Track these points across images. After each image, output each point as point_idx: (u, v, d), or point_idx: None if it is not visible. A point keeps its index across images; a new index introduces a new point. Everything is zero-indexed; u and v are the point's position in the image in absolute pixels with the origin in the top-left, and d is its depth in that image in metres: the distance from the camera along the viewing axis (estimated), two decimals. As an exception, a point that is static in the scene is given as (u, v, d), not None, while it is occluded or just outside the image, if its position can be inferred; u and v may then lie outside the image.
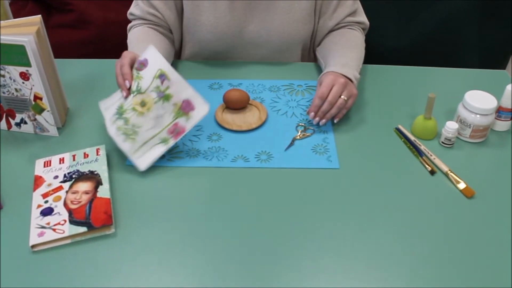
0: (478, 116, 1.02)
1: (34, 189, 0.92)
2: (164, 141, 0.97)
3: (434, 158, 1.01)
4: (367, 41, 1.27)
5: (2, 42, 0.94)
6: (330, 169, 0.99)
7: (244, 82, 1.22)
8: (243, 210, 0.90)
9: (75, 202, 0.88)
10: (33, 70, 0.96)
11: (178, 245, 0.84)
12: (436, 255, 0.83)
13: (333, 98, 1.04)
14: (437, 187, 0.96)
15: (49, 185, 0.92)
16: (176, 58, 1.35)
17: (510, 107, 1.06)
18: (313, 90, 1.20)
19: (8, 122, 1.06)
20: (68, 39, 1.62)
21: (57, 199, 0.89)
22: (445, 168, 0.99)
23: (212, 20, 1.20)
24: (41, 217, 0.86)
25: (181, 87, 0.96)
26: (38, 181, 0.93)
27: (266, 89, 1.20)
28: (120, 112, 0.99)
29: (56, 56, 1.05)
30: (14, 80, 0.99)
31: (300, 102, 1.16)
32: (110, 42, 1.57)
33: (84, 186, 0.91)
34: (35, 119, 1.04)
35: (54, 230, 0.84)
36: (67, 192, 0.91)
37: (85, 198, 0.89)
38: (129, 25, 1.27)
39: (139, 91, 0.98)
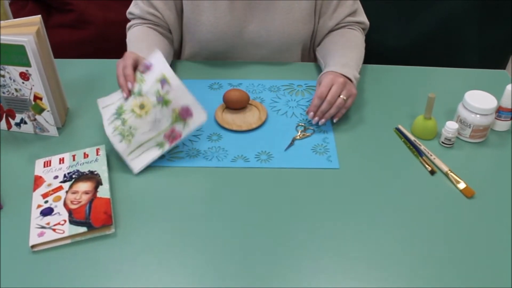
0: (478, 116, 1.02)
1: (34, 189, 0.92)
2: (159, 145, 0.97)
3: (434, 158, 1.01)
4: (367, 41, 1.27)
5: (2, 42, 0.94)
6: (330, 169, 0.99)
7: (244, 82, 1.22)
8: (243, 210, 0.90)
9: (75, 202, 0.88)
10: (33, 70, 0.96)
11: (178, 245, 0.84)
12: (436, 255, 0.83)
13: (332, 98, 1.04)
14: (437, 187, 0.96)
15: (49, 185, 0.92)
16: (176, 58, 1.35)
17: (510, 107, 1.06)
18: (313, 90, 1.19)
19: (8, 122, 1.06)
20: (68, 39, 1.62)
21: (57, 199, 0.89)
22: (445, 168, 0.99)
23: (212, 20, 1.20)
24: (41, 217, 0.86)
25: (181, 94, 0.96)
26: (38, 181, 0.93)
27: (266, 89, 1.20)
28: (118, 113, 0.99)
29: (56, 56, 1.05)
30: (14, 80, 0.99)
31: (300, 102, 1.16)
32: (110, 42, 1.57)
33: (84, 186, 0.91)
34: (35, 119, 1.04)
35: (54, 230, 0.84)
36: (67, 192, 0.91)
37: (85, 198, 0.89)
38: (128, 24, 1.27)
39: (139, 94, 0.98)
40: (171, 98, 0.96)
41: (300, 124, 1.10)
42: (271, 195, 0.93)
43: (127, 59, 1.03)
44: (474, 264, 0.82)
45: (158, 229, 0.87)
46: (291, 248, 0.84)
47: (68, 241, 0.84)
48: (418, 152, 1.03)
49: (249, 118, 1.10)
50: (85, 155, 0.98)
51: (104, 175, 0.94)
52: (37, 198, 0.90)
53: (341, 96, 1.04)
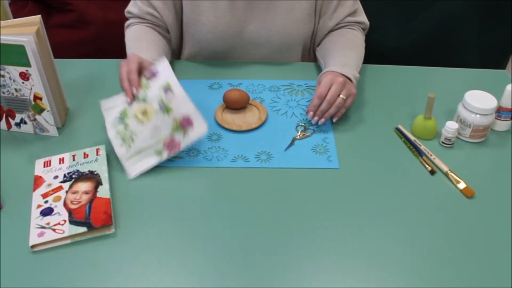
0: (478, 116, 1.02)
1: (34, 189, 0.92)
2: (158, 153, 0.97)
3: (434, 158, 1.01)
4: (367, 41, 1.27)
5: (2, 42, 0.94)
6: (330, 169, 0.99)
7: (244, 82, 1.22)
8: (243, 210, 0.90)
9: (75, 202, 0.88)
10: (33, 70, 0.96)
11: (178, 245, 0.84)
12: (436, 255, 0.83)
13: (332, 97, 1.04)
14: (437, 187, 0.96)
15: (49, 185, 0.92)
16: (176, 58, 1.35)
17: (510, 107, 1.06)
18: (313, 90, 1.19)
19: (8, 122, 1.06)
20: (68, 39, 1.61)
21: (57, 199, 0.89)
22: (445, 168, 0.99)
23: (212, 20, 1.20)
24: (41, 217, 0.86)
25: (183, 103, 0.96)
26: (38, 181, 0.93)
27: (266, 89, 1.20)
28: (122, 117, 1.00)
29: (56, 56, 1.05)
30: (14, 80, 0.99)
31: (300, 102, 1.16)
32: (110, 42, 1.57)
33: (84, 186, 0.91)
34: (35, 119, 1.04)
35: (54, 230, 0.84)
36: (67, 192, 0.91)
37: (85, 198, 0.89)
38: (127, 23, 1.27)
39: (143, 100, 0.99)
40: (173, 106, 0.96)
41: (300, 124, 1.10)
42: (271, 195, 0.93)
43: (132, 63, 1.03)
44: (474, 264, 0.82)
45: (158, 229, 0.87)
46: (291, 248, 0.84)
47: (68, 241, 0.84)
48: (418, 152, 1.03)
49: (249, 118, 1.10)
50: (85, 155, 0.98)
51: (104, 175, 0.94)
52: (37, 198, 0.90)
53: (340, 96, 1.04)
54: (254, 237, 0.85)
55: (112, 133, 1.00)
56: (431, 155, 1.02)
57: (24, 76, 0.98)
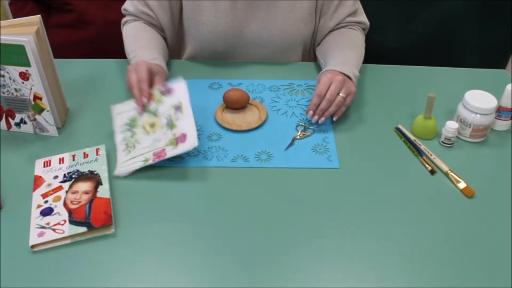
0: (478, 115, 1.02)
1: (34, 189, 0.92)
2: (145, 160, 0.98)
3: (434, 158, 1.01)
4: (367, 41, 1.27)
5: (2, 42, 0.93)
6: (330, 168, 0.99)
7: (244, 82, 1.22)
8: (243, 210, 0.90)
9: (75, 202, 0.88)
10: (33, 70, 0.96)
11: (178, 245, 0.84)
12: (436, 255, 0.83)
13: (331, 96, 1.04)
14: (437, 187, 0.96)
15: (49, 185, 0.92)
16: (176, 58, 1.35)
17: (510, 106, 1.06)
18: (313, 89, 1.19)
19: (7, 122, 1.06)
20: (68, 39, 1.61)
21: (57, 199, 0.89)
22: (445, 167, 0.99)
23: (213, 20, 1.20)
24: (41, 217, 0.86)
25: (187, 122, 0.99)
26: (38, 181, 0.93)
27: (266, 88, 1.20)
28: (131, 125, 1.03)
29: (56, 56, 1.05)
30: (13, 80, 0.99)
31: (300, 102, 1.16)
32: (110, 42, 1.56)
33: (84, 186, 0.91)
34: (34, 119, 1.04)
35: (54, 230, 0.84)
36: (67, 192, 0.91)
37: (85, 198, 0.89)
38: (123, 20, 1.28)
39: (154, 113, 1.02)
40: (177, 124, 0.99)
41: (300, 123, 1.10)
42: (271, 195, 0.93)
43: (142, 72, 1.04)
44: (474, 264, 0.82)
45: (158, 229, 0.86)
46: (291, 248, 0.84)
47: (68, 241, 0.84)
48: (418, 152, 1.03)
49: (249, 118, 1.10)
50: (85, 155, 0.98)
51: (104, 175, 0.94)
52: (37, 198, 0.90)
53: (340, 94, 1.04)
54: (254, 237, 0.85)
55: (119, 138, 1.02)
56: (431, 155, 1.02)
57: (24, 76, 0.98)
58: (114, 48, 1.37)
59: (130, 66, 1.08)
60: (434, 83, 1.24)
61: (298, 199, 0.92)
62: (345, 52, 1.17)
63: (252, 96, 1.16)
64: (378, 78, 1.25)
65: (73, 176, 0.94)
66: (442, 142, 1.05)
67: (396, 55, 1.45)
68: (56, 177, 0.94)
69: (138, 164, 0.97)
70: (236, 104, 1.11)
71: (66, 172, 0.95)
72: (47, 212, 0.87)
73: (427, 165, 1.00)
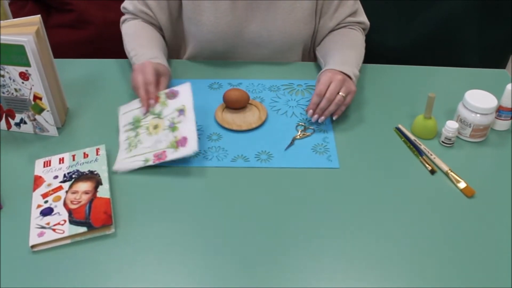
0: (478, 115, 1.02)
1: (34, 189, 0.92)
2: (145, 160, 0.98)
3: (434, 158, 1.01)
4: (367, 41, 1.27)
5: (1, 42, 0.93)
6: (330, 168, 0.99)
7: (244, 82, 1.22)
8: (243, 210, 0.90)
9: (75, 202, 0.88)
10: (33, 70, 0.96)
11: (178, 245, 0.84)
12: (436, 254, 0.83)
13: (331, 95, 1.04)
14: (437, 187, 0.96)
15: (49, 185, 0.92)
16: (176, 57, 1.35)
17: (510, 106, 1.06)
18: (313, 89, 1.19)
19: (7, 122, 1.06)
20: (67, 39, 1.61)
21: (57, 199, 0.89)
22: (445, 167, 0.99)
23: (213, 20, 1.20)
24: (41, 217, 0.86)
25: (189, 125, 0.99)
26: (38, 181, 0.93)
27: (266, 88, 1.20)
28: (136, 125, 1.03)
29: (55, 56, 1.05)
30: (13, 80, 0.99)
31: (300, 102, 1.16)
32: (110, 42, 1.56)
33: (84, 186, 0.91)
34: (34, 119, 1.04)
35: (54, 230, 0.84)
36: (67, 192, 0.91)
37: (85, 198, 0.89)
38: (122, 18, 1.29)
39: (158, 115, 1.03)
40: (179, 126, 1.00)
41: (300, 123, 1.10)
42: (271, 195, 0.93)
43: (149, 74, 1.05)
44: (474, 264, 0.82)
45: (158, 229, 0.86)
46: (291, 248, 0.84)
47: (68, 241, 0.84)
48: (418, 152, 1.03)
49: (249, 117, 1.10)
50: (85, 155, 0.98)
51: (104, 175, 0.94)
52: (37, 198, 0.90)
53: (340, 93, 1.04)
54: (254, 237, 0.85)
55: (123, 137, 1.03)
56: (431, 155, 1.02)
57: (24, 76, 0.98)
58: (114, 48, 1.37)
59: (136, 66, 1.08)
60: (434, 83, 1.24)
61: (298, 199, 0.92)
62: (345, 52, 1.17)
63: (252, 96, 1.16)
64: (378, 78, 1.25)
65: (73, 176, 0.94)
66: (442, 142, 1.05)
67: (396, 55, 1.45)
68: (56, 177, 0.94)
69: (138, 163, 0.97)
70: (236, 104, 1.11)
71: (66, 172, 0.95)
72: (47, 212, 0.87)
73: (427, 165, 1.00)
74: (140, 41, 1.19)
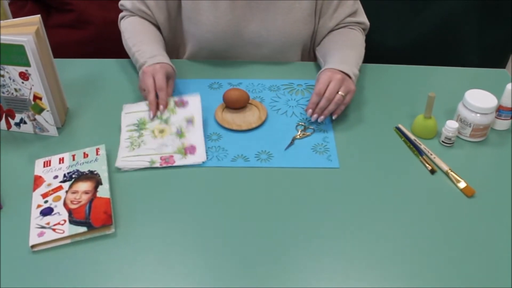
0: (478, 115, 1.02)
1: (34, 189, 0.92)
2: (152, 161, 0.99)
3: (434, 157, 1.01)
4: (367, 40, 1.27)
5: (1, 42, 0.93)
6: (330, 168, 0.99)
7: (244, 82, 1.22)
8: (243, 210, 0.90)
9: (75, 202, 0.88)
10: (33, 70, 0.96)
11: (178, 245, 0.84)
12: (436, 254, 0.83)
13: (330, 94, 1.04)
14: (437, 186, 0.96)
15: (49, 185, 0.92)
16: (175, 57, 1.35)
17: (510, 106, 1.06)
18: (313, 89, 1.19)
19: (7, 122, 1.06)
20: (67, 39, 1.61)
21: (57, 199, 0.89)
22: (445, 167, 0.99)
23: (212, 20, 1.20)
24: (41, 217, 0.86)
25: (197, 134, 1.03)
26: (37, 181, 0.93)
27: (266, 88, 1.20)
28: (140, 127, 1.04)
29: (55, 56, 1.05)
30: (13, 80, 0.99)
31: (300, 102, 1.16)
32: (110, 42, 1.56)
33: (84, 186, 0.91)
34: (34, 119, 1.04)
35: (54, 230, 0.84)
36: (67, 192, 0.91)
37: (85, 198, 0.89)
38: (121, 14, 1.29)
39: (165, 121, 1.04)
40: (187, 135, 1.02)
41: (300, 123, 1.09)
42: (271, 194, 0.93)
43: (160, 80, 1.07)
44: (474, 263, 0.82)
45: (158, 229, 0.86)
46: (291, 247, 0.84)
47: (68, 241, 0.84)
48: (418, 151, 1.03)
49: (249, 117, 1.10)
50: (85, 155, 0.98)
51: (104, 175, 0.94)
52: (37, 198, 0.90)
53: (339, 93, 1.04)
54: (254, 236, 0.85)
55: (125, 135, 1.03)
56: (431, 154, 1.02)
57: (24, 76, 0.98)
58: (114, 48, 1.37)
59: (146, 68, 1.09)
60: (434, 83, 1.24)
61: (298, 199, 0.92)
62: (344, 51, 1.16)
63: (252, 96, 1.16)
64: (378, 78, 1.25)
65: (73, 176, 0.94)
66: (442, 141, 1.05)
67: (396, 55, 1.45)
68: (56, 177, 0.94)
69: (143, 163, 0.98)
70: (236, 104, 1.11)
71: (66, 172, 0.95)
72: (47, 212, 0.87)
73: (427, 165, 1.00)
74: (141, 37, 1.19)
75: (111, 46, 1.43)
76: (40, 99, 1.00)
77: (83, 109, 1.13)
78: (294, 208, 0.90)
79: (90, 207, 0.87)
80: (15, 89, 1.00)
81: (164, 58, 1.13)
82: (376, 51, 1.36)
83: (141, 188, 0.94)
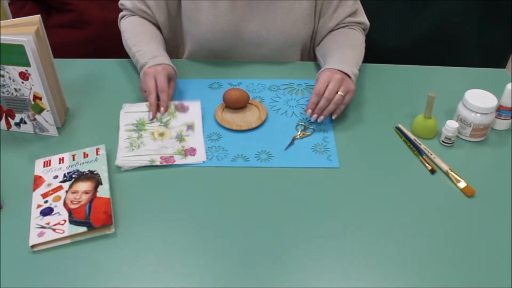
0: (478, 115, 1.02)
1: (34, 189, 0.92)
2: (152, 160, 0.99)
3: (434, 157, 1.01)
4: (367, 40, 1.27)
5: (1, 42, 0.93)
6: (330, 168, 0.99)
7: (244, 82, 1.22)
8: (243, 210, 0.90)
9: (75, 202, 0.88)
10: (33, 70, 0.96)
11: (178, 245, 0.84)
12: (436, 254, 0.83)
13: (330, 94, 1.04)
14: (437, 186, 0.96)
15: (49, 185, 0.92)
16: (175, 57, 1.35)
17: (510, 105, 1.06)
18: (313, 89, 1.19)
19: (7, 122, 1.06)
20: (67, 39, 1.61)
21: (57, 199, 0.89)
22: (445, 167, 0.99)
23: (212, 19, 1.20)
24: (41, 217, 0.86)
25: (197, 138, 1.03)
26: (37, 181, 0.93)
27: (265, 88, 1.20)
28: (139, 128, 1.04)
29: (55, 56, 1.05)
30: (13, 80, 0.99)
31: (300, 102, 1.16)
32: (110, 42, 1.56)
33: (84, 186, 0.91)
34: (34, 119, 1.04)
35: (54, 230, 0.84)
36: (66, 192, 0.91)
37: (85, 198, 0.89)
38: (121, 14, 1.29)
39: (165, 125, 1.05)
40: (187, 139, 1.03)
41: (300, 123, 1.09)
42: (271, 194, 0.93)
43: (162, 82, 1.07)
44: (474, 263, 0.82)
45: (158, 229, 0.86)
46: (291, 247, 0.84)
47: (68, 241, 0.84)
48: (418, 151, 1.03)
49: (249, 117, 1.10)
50: (85, 155, 0.98)
51: (104, 175, 0.94)
52: (37, 198, 0.90)
53: (339, 93, 1.04)
54: (254, 236, 0.85)
55: (123, 135, 1.03)
56: (431, 154, 1.02)
57: (24, 76, 0.98)
58: (114, 48, 1.37)
59: (147, 69, 1.09)
60: (434, 83, 1.24)
61: (298, 199, 0.92)
62: (344, 51, 1.16)
63: (252, 96, 1.16)
64: (378, 78, 1.25)
65: (73, 176, 0.94)
66: (442, 141, 1.05)
67: (396, 55, 1.45)
68: (56, 177, 0.94)
69: (143, 162, 0.98)
70: (236, 104, 1.11)
71: (66, 172, 0.95)
72: (47, 212, 0.87)
73: (427, 165, 1.00)
74: (142, 37, 1.19)
75: (111, 46, 1.43)
76: (40, 99, 1.00)
77: (83, 109, 1.13)
78: (294, 208, 0.90)
79: (90, 207, 0.87)
80: (15, 89, 1.00)
81: (165, 59, 1.13)
82: (376, 51, 1.36)
83: (141, 188, 0.94)
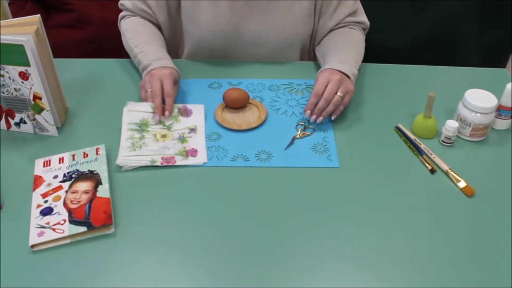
0: (478, 114, 1.02)
1: (34, 189, 0.92)
2: (152, 161, 0.99)
3: (434, 157, 1.01)
4: (367, 40, 1.27)
5: (1, 41, 0.93)
6: (330, 168, 0.99)
7: (243, 81, 1.22)
8: (243, 210, 0.90)
9: (74, 202, 0.88)
10: (32, 70, 0.96)
11: (178, 245, 0.84)
12: (436, 254, 0.83)
13: (329, 95, 1.04)
14: (437, 186, 0.96)
15: (49, 184, 0.92)
16: (174, 56, 1.35)
17: (510, 105, 1.06)
18: (312, 88, 1.19)
19: (7, 122, 1.06)
20: (67, 39, 1.61)
21: (57, 198, 0.89)
22: (445, 167, 0.99)
23: (211, 19, 1.20)
24: (41, 217, 0.86)
25: (199, 140, 1.04)
26: (37, 181, 0.93)
27: (265, 88, 1.20)
28: (142, 128, 1.04)
29: (55, 56, 1.05)
30: (13, 80, 0.99)
31: (300, 101, 1.16)
32: (110, 42, 1.56)
33: (83, 186, 0.91)
34: (34, 119, 1.04)
35: (53, 230, 0.84)
36: (66, 191, 0.91)
37: (84, 197, 0.89)
38: (121, 14, 1.29)
39: (168, 128, 1.05)
40: (189, 140, 1.03)
41: (300, 123, 1.09)
42: (271, 194, 0.93)
43: (168, 86, 1.07)
44: (474, 263, 0.82)
45: (158, 229, 0.86)
46: (291, 247, 0.84)
47: (68, 240, 0.84)
48: (418, 151, 1.03)
49: (249, 117, 1.10)
50: (85, 155, 0.98)
51: (103, 175, 0.93)
52: (36, 197, 0.90)
53: (338, 93, 1.04)
54: (254, 236, 0.85)
55: (125, 135, 1.03)
56: (431, 154, 1.02)
57: (24, 76, 0.98)
58: (114, 48, 1.37)
59: (154, 71, 1.09)
60: (434, 82, 1.24)
61: (298, 199, 0.92)
62: (343, 51, 1.16)
63: (252, 96, 1.16)
64: (378, 78, 1.25)
65: (73, 175, 0.94)
66: (442, 141, 1.05)
67: (396, 55, 1.45)
68: (56, 176, 0.94)
69: (144, 162, 0.98)
70: (236, 104, 1.11)
71: (66, 171, 0.95)
72: (47, 211, 0.87)
73: (427, 164, 1.00)
74: (143, 38, 1.19)
75: (111, 46, 1.43)
76: (40, 99, 1.00)
77: (83, 109, 1.13)
78: (294, 208, 0.90)
79: (90, 207, 0.87)
80: (15, 89, 1.00)
81: (169, 62, 1.13)
82: (376, 51, 1.36)
83: (141, 188, 0.94)
